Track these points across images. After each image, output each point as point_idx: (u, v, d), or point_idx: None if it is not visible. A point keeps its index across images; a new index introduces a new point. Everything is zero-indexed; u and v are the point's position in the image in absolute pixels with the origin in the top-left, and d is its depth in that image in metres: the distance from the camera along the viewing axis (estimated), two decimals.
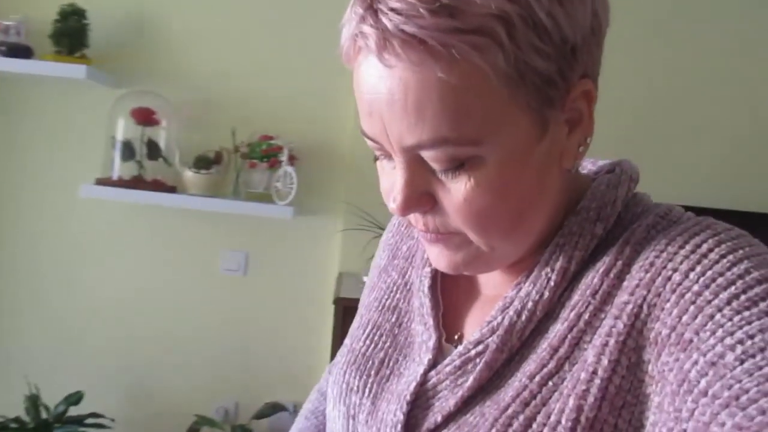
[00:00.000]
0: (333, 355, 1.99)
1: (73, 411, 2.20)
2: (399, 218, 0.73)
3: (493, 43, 0.43)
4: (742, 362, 0.40)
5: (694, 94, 2.45)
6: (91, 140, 2.34)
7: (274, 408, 2.33)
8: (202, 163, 2.24)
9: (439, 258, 0.54)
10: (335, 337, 2.00)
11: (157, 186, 2.24)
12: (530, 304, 0.52)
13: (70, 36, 2.19)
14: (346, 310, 2.00)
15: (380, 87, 0.46)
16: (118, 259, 2.40)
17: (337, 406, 0.63)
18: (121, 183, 2.22)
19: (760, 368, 0.39)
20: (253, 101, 2.39)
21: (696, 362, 0.42)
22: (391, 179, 0.51)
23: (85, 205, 2.35)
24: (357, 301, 2.04)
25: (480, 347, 0.54)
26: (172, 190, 2.26)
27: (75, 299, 2.41)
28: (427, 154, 0.47)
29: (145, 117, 2.24)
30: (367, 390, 0.60)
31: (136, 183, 2.23)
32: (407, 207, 0.50)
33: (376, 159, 0.53)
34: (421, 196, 0.50)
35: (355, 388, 0.61)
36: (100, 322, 2.41)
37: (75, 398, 2.22)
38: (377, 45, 0.44)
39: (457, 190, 0.48)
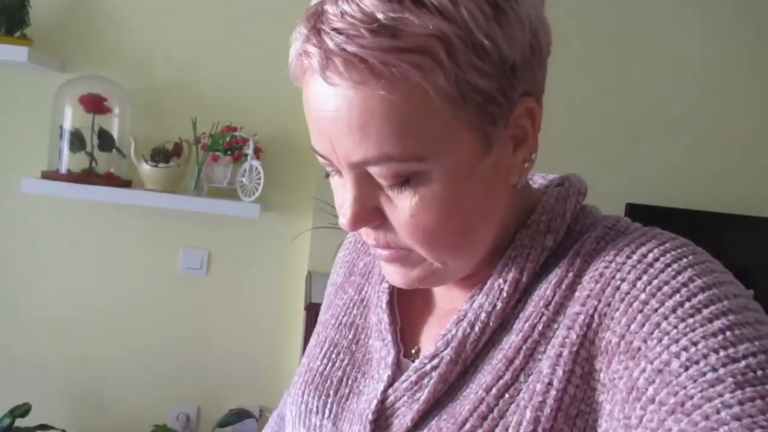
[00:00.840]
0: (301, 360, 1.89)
1: (21, 423, 2.03)
2: (354, 235, 0.73)
3: (433, 63, 0.44)
4: (686, 369, 0.41)
5: (636, 98, 2.41)
6: (34, 129, 2.13)
7: (239, 415, 2.21)
8: (160, 155, 2.07)
9: (394, 274, 0.55)
10: (306, 342, 1.89)
11: (111, 180, 2.06)
12: (483, 315, 0.53)
13: (8, 13, 1.97)
14: (318, 316, 1.88)
15: (326, 105, 0.47)
16: (66, 261, 2.21)
17: (297, 428, 0.63)
18: (70, 177, 2.03)
19: (704, 374, 0.40)
20: (214, 89, 2.22)
21: (644, 370, 0.43)
22: (343, 195, 0.52)
23: (28, 201, 2.14)
24: None
25: (435, 361, 0.54)
26: (126, 184, 2.09)
27: (18, 305, 2.21)
28: (373, 170, 0.48)
29: (95, 104, 2.05)
30: (327, 410, 0.60)
31: (87, 177, 2.04)
32: (356, 222, 0.51)
33: (327, 175, 0.54)
34: (371, 211, 0.51)
35: (315, 409, 0.61)
36: (46, 328, 2.22)
37: (21, 410, 2.04)
38: (320, 64, 0.45)
39: (403, 206, 0.50)
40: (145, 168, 2.05)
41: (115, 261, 2.23)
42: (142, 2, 2.18)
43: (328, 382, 0.62)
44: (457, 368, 0.53)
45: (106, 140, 2.07)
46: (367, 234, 0.54)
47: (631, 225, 0.55)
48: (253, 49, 2.24)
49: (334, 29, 0.45)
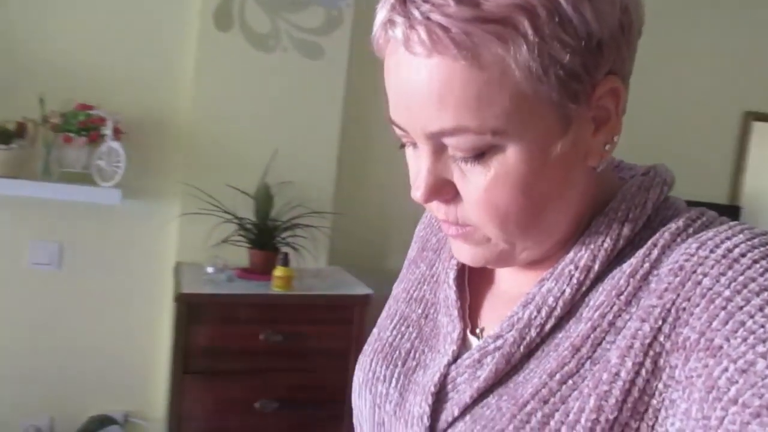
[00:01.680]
0: (176, 358, 1.75)
1: None
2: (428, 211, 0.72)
3: (517, 34, 0.43)
4: None
5: None
6: None
7: (101, 422, 2.02)
8: (1, 136, 1.83)
9: (461, 251, 0.55)
10: (178, 337, 1.75)
11: None
12: (551, 299, 0.53)
13: None
14: (191, 308, 1.75)
15: (406, 75, 0.47)
16: None
17: (363, 394, 0.64)
18: None
19: None
20: (67, 64, 2.00)
21: (726, 369, 0.41)
22: (417, 167, 0.52)
23: None
24: (206, 297, 1.80)
25: (499, 342, 0.54)
26: None
27: None
28: (449, 142, 0.48)
29: None
30: (394, 380, 0.61)
31: None
32: (429, 194, 0.50)
33: (402, 146, 0.54)
34: (444, 184, 0.51)
35: (382, 377, 0.62)
36: None
37: None
38: (404, 33, 0.46)
39: (477, 181, 0.49)
40: None
41: None
42: None
43: (397, 353, 0.63)
44: (521, 350, 0.53)
45: None
46: (438, 208, 0.53)
47: (716, 218, 0.53)
48: (111, 23, 2.05)
49: None
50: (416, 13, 0.45)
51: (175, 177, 2.11)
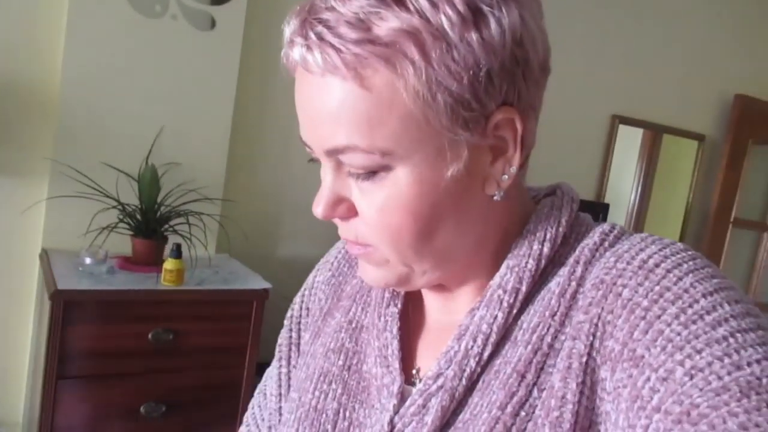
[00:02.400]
0: (50, 362, 1.53)
1: None
2: (336, 257, 0.72)
3: (405, 59, 0.45)
4: (691, 377, 0.41)
5: None
6: None
7: None
8: None
9: (365, 272, 0.56)
10: (53, 339, 1.53)
11: None
12: (484, 326, 0.53)
13: None
14: (68, 306, 1.54)
15: (307, 93, 0.49)
16: None
17: None
18: None
19: (709, 383, 0.40)
20: None
21: (648, 378, 0.43)
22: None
23: None
24: (87, 293, 1.60)
25: (440, 380, 0.53)
26: None
27: None
28: (343, 159, 0.49)
29: None
30: None
31: None
32: (327, 209, 0.52)
33: (310, 160, 0.56)
34: (342, 201, 0.52)
35: None
36: None
37: None
38: (301, 54, 0.47)
39: (371, 201, 0.50)
40: None
41: None
42: None
43: (324, 416, 0.60)
44: (463, 384, 0.52)
45: None
46: (340, 226, 0.54)
47: (626, 231, 0.55)
48: None
49: (318, 20, 0.46)
50: (311, 35, 0.46)
51: (41, 152, 1.85)
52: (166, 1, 1.95)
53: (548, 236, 0.54)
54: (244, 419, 0.74)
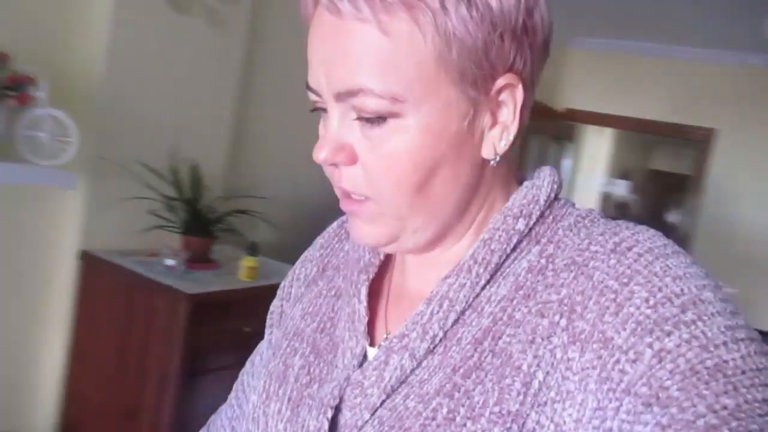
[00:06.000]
0: (185, 360, 1.59)
1: None
2: (329, 233, 0.75)
3: (426, 9, 0.47)
4: (660, 360, 0.41)
5: None
6: None
7: None
8: None
9: (358, 230, 0.56)
10: (188, 338, 1.59)
11: None
12: (452, 293, 0.54)
13: None
14: (198, 308, 1.60)
15: (327, 36, 0.50)
16: None
17: (257, 416, 0.62)
18: None
19: (678, 366, 0.41)
20: None
21: (618, 360, 0.43)
22: (324, 130, 0.54)
23: None
24: (211, 294, 1.72)
25: (405, 340, 0.54)
26: None
27: None
28: (354, 102, 0.50)
29: None
30: (286, 398, 0.60)
31: None
32: (329, 153, 0.52)
33: (313, 110, 0.56)
34: (344, 147, 0.52)
35: (274, 396, 0.61)
36: None
37: None
38: None
39: (375, 146, 0.51)
40: None
41: None
42: None
43: (290, 370, 0.62)
44: (424, 345, 0.53)
45: None
46: (337, 176, 0.54)
47: (602, 217, 0.57)
48: None
49: None
50: None
51: (84, 151, 1.74)
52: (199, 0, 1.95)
53: (524, 212, 0.55)
54: (233, 387, 0.75)
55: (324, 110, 0.54)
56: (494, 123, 0.53)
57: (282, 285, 0.74)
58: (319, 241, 0.74)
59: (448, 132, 0.51)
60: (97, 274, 1.76)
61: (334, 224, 0.74)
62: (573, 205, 0.59)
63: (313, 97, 0.54)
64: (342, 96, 0.50)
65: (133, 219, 1.82)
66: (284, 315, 0.71)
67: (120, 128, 1.82)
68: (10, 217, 1.66)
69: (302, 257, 0.74)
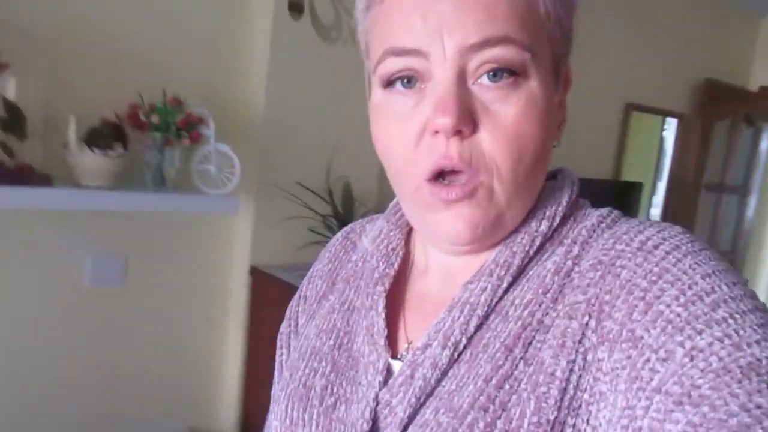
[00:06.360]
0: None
1: None
2: (335, 245, 0.72)
3: None
4: (692, 358, 0.41)
5: None
6: None
7: None
8: (104, 139, 1.53)
9: (458, 221, 0.52)
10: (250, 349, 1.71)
11: (24, 176, 1.43)
12: (473, 298, 0.52)
13: None
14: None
15: None
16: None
17: None
18: None
19: (710, 364, 0.40)
20: (139, 43, 1.70)
21: (648, 360, 0.42)
22: (406, 108, 0.51)
23: None
24: None
25: (428, 351, 0.52)
26: (45, 181, 1.48)
27: None
28: (495, 53, 0.48)
29: None
30: (314, 423, 0.57)
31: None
32: (461, 117, 0.48)
33: (388, 84, 0.52)
34: (469, 114, 0.49)
35: (301, 422, 0.58)
36: None
37: None
38: None
39: (506, 112, 0.49)
40: (88, 158, 1.49)
41: (19, 273, 1.57)
42: None
43: (312, 392, 0.59)
44: (446, 353, 0.51)
45: (16, 118, 1.42)
46: (450, 149, 0.50)
47: (623, 215, 0.56)
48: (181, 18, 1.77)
49: None
50: None
51: (247, 177, 1.96)
52: (340, 26, 2.09)
53: (547, 214, 0.55)
54: None
55: (407, 80, 0.50)
56: (558, 106, 0.54)
57: (290, 305, 0.73)
58: (326, 254, 0.73)
59: (552, 104, 0.52)
60: (263, 287, 1.96)
61: (339, 236, 0.73)
62: (590, 203, 0.58)
63: (407, 62, 0.50)
64: (477, 48, 0.48)
65: (294, 236, 2.00)
66: (296, 335, 0.70)
67: (279, 155, 2.01)
68: (192, 240, 1.91)
69: (309, 274, 0.73)
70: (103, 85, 1.62)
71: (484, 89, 0.49)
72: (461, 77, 0.49)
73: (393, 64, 0.50)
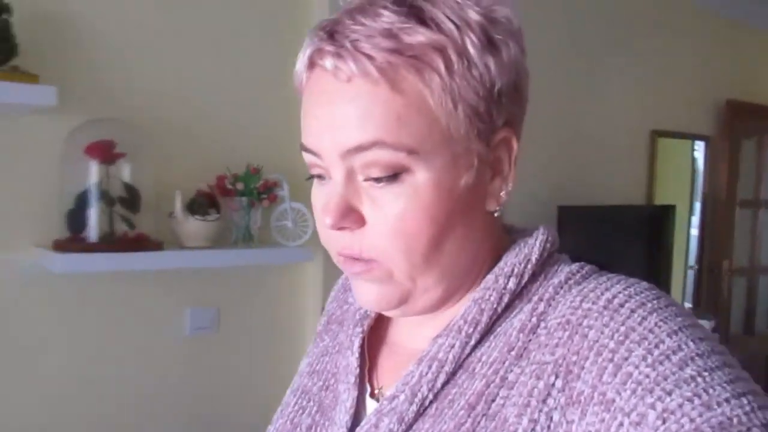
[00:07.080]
0: None
1: None
2: (340, 282, 0.77)
3: (431, 69, 0.49)
4: (664, 421, 0.40)
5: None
6: (23, 185, 1.63)
7: None
8: (202, 207, 1.81)
9: (364, 293, 0.56)
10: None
11: (141, 243, 1.72)
12: (441, 354, 0.54)
13: None
14: None
15: (334, 99, 0.50)
16: (61, 337, 1.75)
17: None
18: (101, 246, 1.64)
19: (682, 426, 0.40)
20: (222, 125, 2.00)
21: (621, 423, 0.42)
22: (326, 196, 0.53)
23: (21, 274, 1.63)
24: None
25: (394, 402, 0.54)
26: (157, 246, 1.77)
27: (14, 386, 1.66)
28: (366, 158, 0.50)
29: (104, 152, 1.68)
30: None
31: (122, 243, 1.67)
32: (339, 217, 0.51)
33: (310, 177, 0.57)
34: (352, 211, 0.52)
35: None
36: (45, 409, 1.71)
37: None
38: (332, 62, 0.50)
39: (388, 206, 0.51)
40: (192, 224, 1.78)
41: (132, 323, 1.86)
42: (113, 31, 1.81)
43: (298, 429, 0.63)
44: (413, 408, 0.53)
45: (133, 197, 1.72)
46: (342, 240, 0.53)
47: (595, 271, 0.56)
48: (249, 81, 2.08)
49: (350, 31, 0.50)
50: (346, 43, 0.49)
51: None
52: None
53: (515, 271, 0.55)
54: None
55: (319, 177, 0.55)
56: (494, 175, 0.55)
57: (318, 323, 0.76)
58: (331, 293, 0.76)
59: (457, 186, 0.52)
60: None
61: (343, 276, 0.74)
62: (568, 260, 0.59)
63: (311, 159, 0.54)
64: (353, 152, 0.50)
65: None
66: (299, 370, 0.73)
67: None
68: (273, 288, 2.17)
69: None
70: (197, 161, 1.92)
71: (370, 185, 0.51)
72: (350, 176, 0.51)
73: (307, 159, 0.54)
